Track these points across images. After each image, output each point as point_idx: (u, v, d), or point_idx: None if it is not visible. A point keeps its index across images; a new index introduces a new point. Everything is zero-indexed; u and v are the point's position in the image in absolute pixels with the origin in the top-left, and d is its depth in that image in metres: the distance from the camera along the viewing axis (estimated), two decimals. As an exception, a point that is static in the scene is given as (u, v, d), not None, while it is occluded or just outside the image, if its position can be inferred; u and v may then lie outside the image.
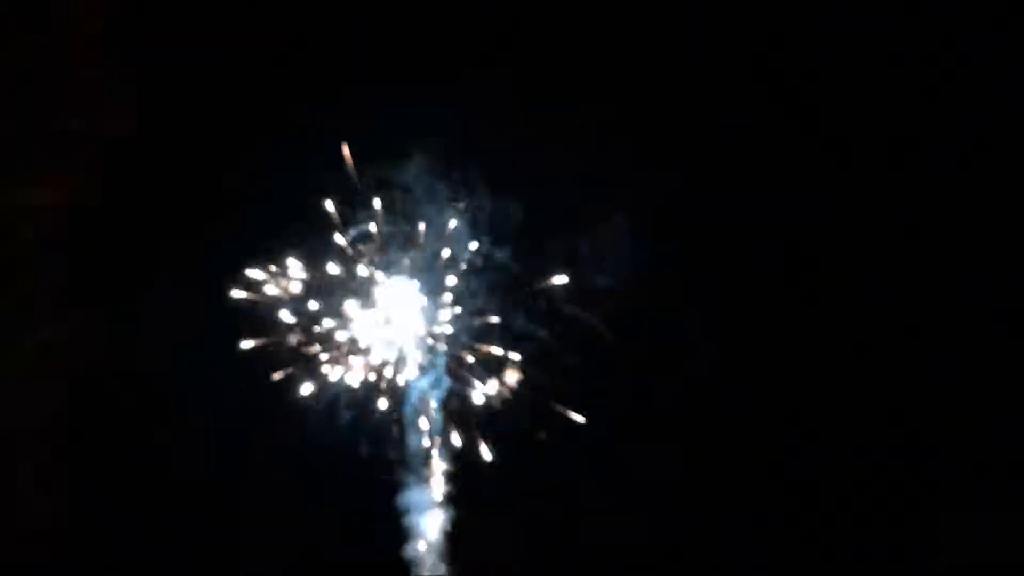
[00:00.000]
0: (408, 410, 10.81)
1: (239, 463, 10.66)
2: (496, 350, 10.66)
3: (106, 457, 10.67)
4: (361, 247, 10.75)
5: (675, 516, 10.85)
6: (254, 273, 10.62)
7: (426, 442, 10.80)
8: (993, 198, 10.80)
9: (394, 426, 10.80)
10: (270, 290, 10.64)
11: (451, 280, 10.78)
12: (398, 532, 10.85)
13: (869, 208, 10.97)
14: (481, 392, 10.70)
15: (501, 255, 10.71)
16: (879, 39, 10.89)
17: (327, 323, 10.73)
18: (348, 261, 10.73)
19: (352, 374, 10.70)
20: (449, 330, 10.83)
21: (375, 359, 10.76)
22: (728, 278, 10.99)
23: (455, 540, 10.89)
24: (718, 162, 10.93)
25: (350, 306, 10.73)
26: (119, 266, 10.77)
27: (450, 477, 10.82)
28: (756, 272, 11.01)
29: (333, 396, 10.66)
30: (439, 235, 10.73)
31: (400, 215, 10.73)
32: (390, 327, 10.79)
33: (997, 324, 10.81)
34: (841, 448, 10.91)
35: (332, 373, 10.67)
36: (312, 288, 10.70)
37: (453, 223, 10.67)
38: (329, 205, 10.62)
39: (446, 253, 10.75)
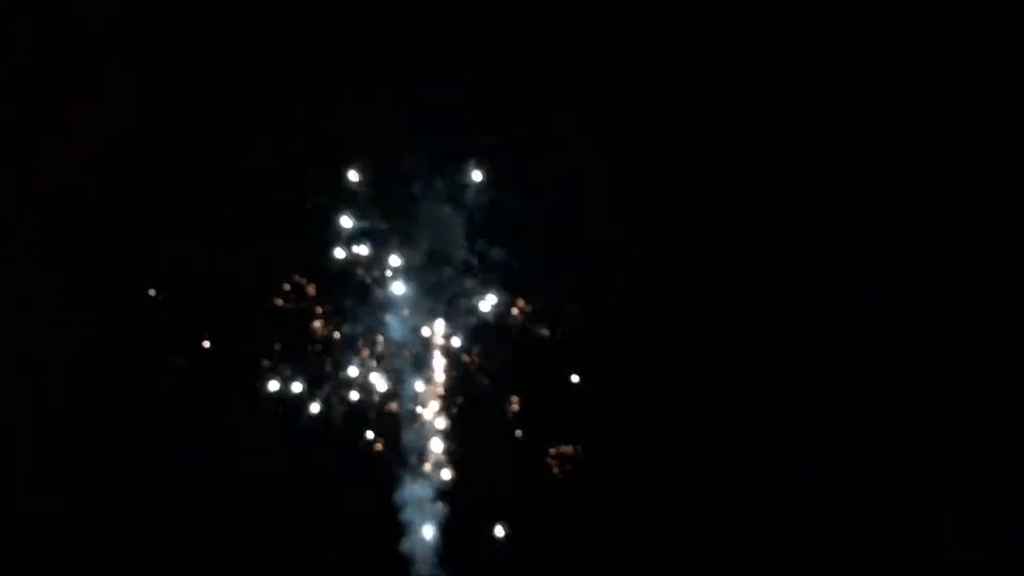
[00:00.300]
0: (405, 408, 10.87)
1: (237, 461, 10.70)
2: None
3: (106, 457, 10.69)
4: (360, 244, 10.82)
5: (674, 516, 10.87)
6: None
7: (423, 439, 10.85)
8: (993, 198, 10.82)
9: (391, 424, 10.86)
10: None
11: (448, 278, 10.85)
12: (395, 528, 10.87)
13: (869, 208, 10.98)
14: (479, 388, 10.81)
15: (499, 254, 10.78)
16: (879, 39, 10.91)
17: (325, 320, 10.81)
18: (346, 258, 10.81)
19: (349, 371, 10.79)
20: (447, 327, 10.90)
21: (373, 356, 10.82)
22: (727, 278, 11.01)
23: (453, 536, 10.91)
24: (717, 161, 10.95)
25: (348, 303, 10.81)
26: (119, 266, 10.80)
27: (448, 473, 10.86)
28: (755, 272, 11.02)
29: (329, 394, 10.77)
30: (438, 233, 10.81)
31: (399, 213, 10.80)
32: (388, 324, 10.87)
33: (997, 324, 10.83)
34: (841, 448, 10.90)
35: (329, 370, 10.78)
36: (310, 285, 10.80)
37: (452, 221, 10.75)
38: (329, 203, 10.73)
39: (444, 251, 10.82)
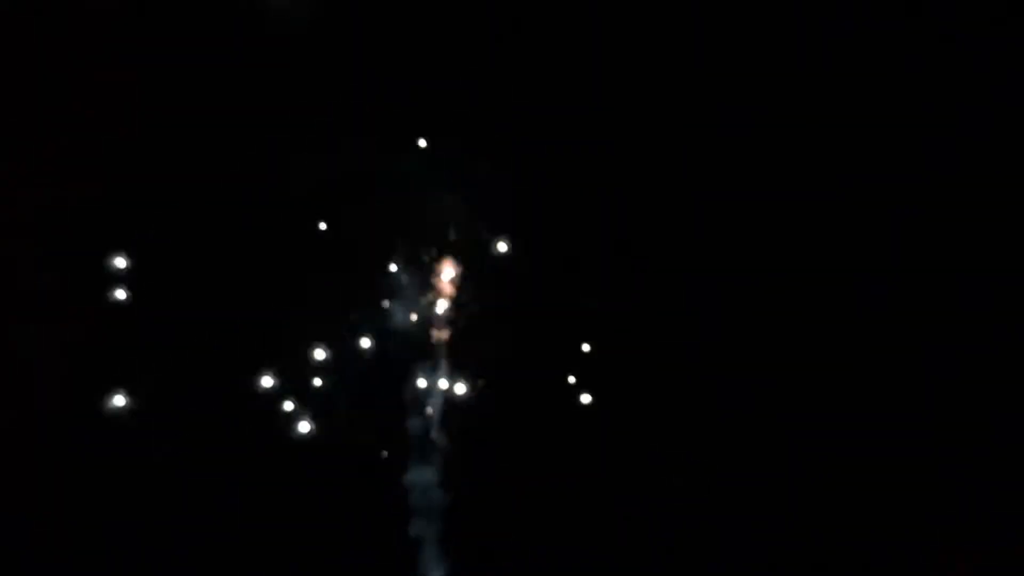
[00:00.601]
0: (408, 397, 10.86)
1: (239, 458, 10.68)
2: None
3: (106, 458, 10.67)
4: (362, 241, 10.83)
5: (675, 516, 10.86)
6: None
7: (428, 428, 10.84)
8: (993, 198, 10.83)
9: (395, 414, 10.85)
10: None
11: (450, 268, 10.86)
12: (399, 518, 10.85)
13: (869, 208, 11.00)
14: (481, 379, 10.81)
15: (501, 245, 10.78)
16: (879, 39, 10.93)
17: (327, 316, 10.81)
18: (349, 253, 10.81)
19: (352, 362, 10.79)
20: (449, 316, 10.90)
21: (375, 346, 10.83)
22: (727, 278, 11.02)
23: (456, 528, 10.90)
24: (718, 161, 10.97)
25: (350, 298, 10.81)
26: (119, 265, 10.79)
27: (452, 462, 10.85)
28: (755, 272, 11.03)
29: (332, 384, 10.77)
30: (440, 224, 10.82)
31: (400, 205, 10.82)
32: (389, 315, 10.87)
33: (998, 324, 10.83)
34: (840, 449, 10.90)
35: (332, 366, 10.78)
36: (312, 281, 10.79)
37: (454, 212, 10.77)
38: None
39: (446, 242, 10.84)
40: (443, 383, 10.82)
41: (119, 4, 10.80)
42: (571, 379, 10.85)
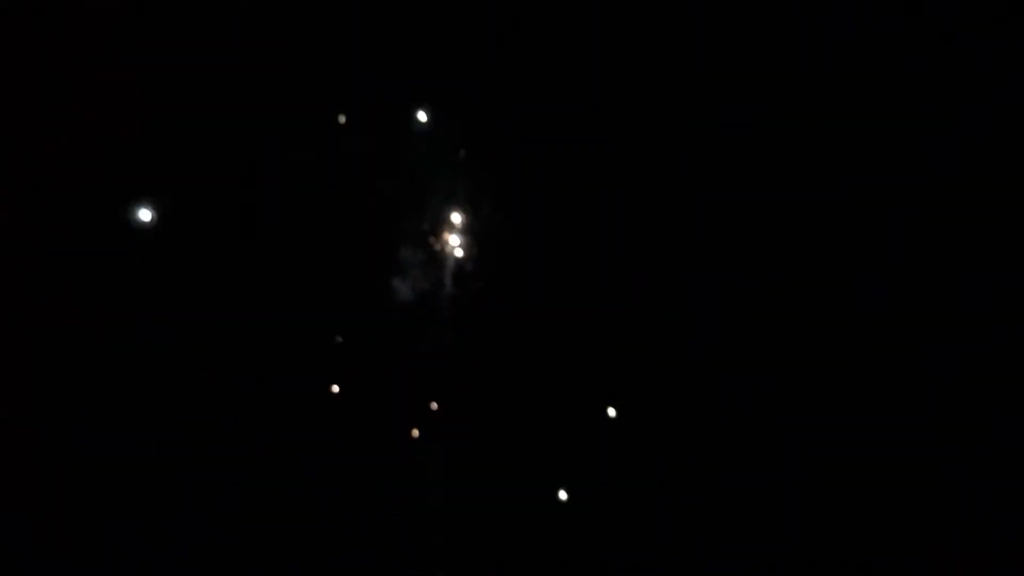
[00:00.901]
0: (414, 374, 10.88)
1: (240, 452, 10.68)
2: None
3: (104, 456, 10.67)
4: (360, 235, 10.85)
5: (674, 513, 10.87)
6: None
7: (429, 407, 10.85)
8: (993, 198, 10.85)
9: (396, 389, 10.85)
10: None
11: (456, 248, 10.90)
12: (403, 493, 10.84)
13: (869, 208, 11.01)
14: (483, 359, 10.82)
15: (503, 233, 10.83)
16: (879, 39, 10.95)
17: (326, 312, 10.83)
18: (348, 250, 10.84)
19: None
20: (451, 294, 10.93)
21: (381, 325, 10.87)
22: (727, 277, 11.04)
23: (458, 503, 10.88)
24: (719, 161, 10.99)
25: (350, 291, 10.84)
26: (118, 265, 10.80)
27: (454, 441, 10.84)
28: (754, 272, 11.05)
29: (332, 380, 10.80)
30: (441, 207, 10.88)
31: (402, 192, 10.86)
32: (393, 292, 10.90)
33: (998, 324, 10.84)
34: (840, 449, 10.91)
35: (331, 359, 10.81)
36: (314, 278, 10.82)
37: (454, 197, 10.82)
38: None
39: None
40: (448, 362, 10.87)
41: (119, 4, 10.82)
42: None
